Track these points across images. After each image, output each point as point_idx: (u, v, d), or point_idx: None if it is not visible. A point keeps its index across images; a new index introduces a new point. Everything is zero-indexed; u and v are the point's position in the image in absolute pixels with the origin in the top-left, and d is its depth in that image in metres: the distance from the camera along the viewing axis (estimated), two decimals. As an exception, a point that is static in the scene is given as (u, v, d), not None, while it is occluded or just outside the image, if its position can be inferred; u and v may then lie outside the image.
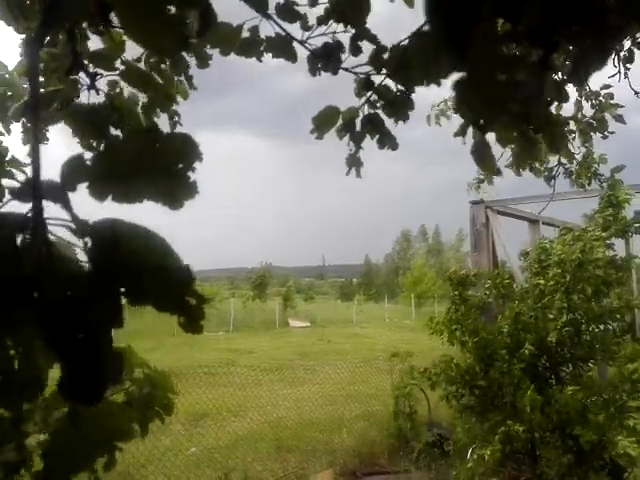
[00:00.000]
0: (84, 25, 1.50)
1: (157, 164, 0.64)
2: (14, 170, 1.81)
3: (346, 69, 1.82)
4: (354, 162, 2.06)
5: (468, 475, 4.61)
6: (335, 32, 1.77)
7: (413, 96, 1.80)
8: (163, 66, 1.96)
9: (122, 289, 0.60)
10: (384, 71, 1.75)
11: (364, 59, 1.77)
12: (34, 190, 0.59)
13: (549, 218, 7.29)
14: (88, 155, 0.63)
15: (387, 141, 1.90)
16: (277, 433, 7.47)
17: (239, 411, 8.64)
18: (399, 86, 1.77)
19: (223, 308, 28.19)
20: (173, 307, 0.63)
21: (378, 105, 1.85)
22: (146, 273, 0.61)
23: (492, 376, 4.66)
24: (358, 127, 1.92)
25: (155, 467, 5.92)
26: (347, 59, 1.81)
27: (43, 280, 0.57)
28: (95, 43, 1.73)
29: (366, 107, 1.89)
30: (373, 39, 1.72)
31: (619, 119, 3.15)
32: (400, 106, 1.79)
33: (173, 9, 0.73)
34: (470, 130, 1.75)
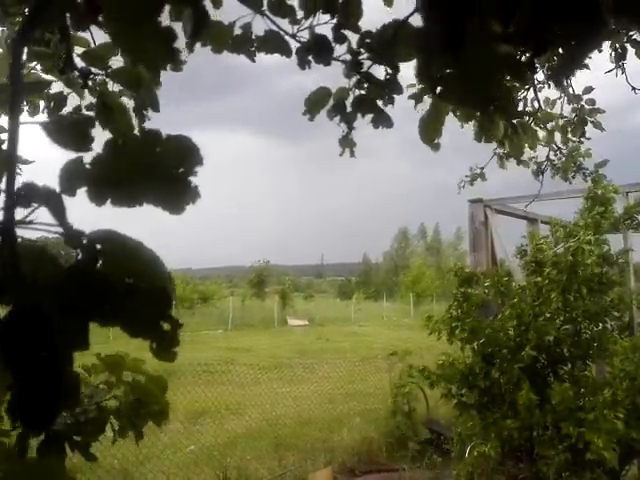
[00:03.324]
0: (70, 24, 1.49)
1: (157, 168, 0.62)
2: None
3: (336, 59, 1.81)
4: (347, 143, 2.06)
5: (467, 473, 4.61)
6: (319, 23, 1.75)
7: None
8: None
9: (91, 310, 0.57)
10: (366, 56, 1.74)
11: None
12: (7, 194, 0.56)
13: (548, 217, 7.29)
14: (87, 158, 0.62)
15: (381, 120, 1.85)
16: (276, 431, 7.48)
17: (238, 409, 8.64)
18: (388, 69, 1.76)
19: (222, 306, 28.19)
20: (145, 332, 0.59)
21: (366, 86, 1.84)
22: (119, 295, 0.57)
23: (492, 375, 4.66)
24: (349, 108, 1.91)
25: (154, 465, 5.92)
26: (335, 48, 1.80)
27: (6, 293, 0.54)
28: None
29: (356, 89, 1.88)
30: (356, 28, 1.71)
31: (598, 126, 3.15)
32: (387, 89, 1.78)
33: (163, 21, 0.72)
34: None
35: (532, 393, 4.25)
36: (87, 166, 0.61)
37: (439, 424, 6.99)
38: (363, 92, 1.85)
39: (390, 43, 1.49)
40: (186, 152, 0.62)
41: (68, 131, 0.62)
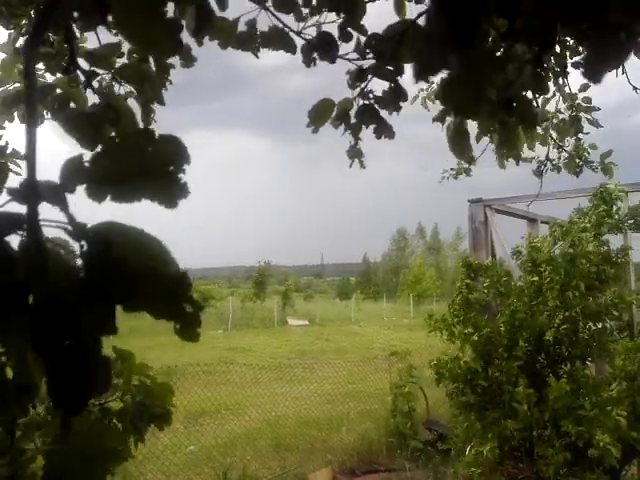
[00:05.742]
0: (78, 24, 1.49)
1: (152, 165, 0.65)
2: (12, 164, 1.81)
3: (341, 57, 1.79)
4: (355, 154, 2.05)
5: (467, 473, 4.62)
6: (326, 22, 1.75)
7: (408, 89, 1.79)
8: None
9: (116, 295, 0.60)
10: (372, 57, 1.73)
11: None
12: (29, 190, 0.58)
13: (548, 217, 7.29)
14: (87, 156, 0.64)
15: (384, 130, 1.84)
16: (275, 431, 7.48)
17: (237, 409, 8.65)
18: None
19: (222, 306, 28.20)
20: (169, 314, 0.63)
21: (371, 96, 1.82)
22: (141, 279, 0.61)
23: (491, 374, 4.67)
24: (353, 119, 1.89)
25: (154, 465, 5.92)
26: (340, 47, 1.79)
27: (35, 284, 0.57)
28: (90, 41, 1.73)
29: (360, 98, 1.85)
30: (361, 28, 1.70)
31: (593, 123, 3.13)
32: (393, 96, 1.76)
33: (169, 12, 0.73)
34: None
35: (529, 389, 4.26)
36: (86, 164, 0.63)
37: (439, 424, 6.99)
38: (367, 102, 1.83)
39: (398, 42, 1.48)
40: (176, 151, 0.65)
41: (83, 124, 0.64)
